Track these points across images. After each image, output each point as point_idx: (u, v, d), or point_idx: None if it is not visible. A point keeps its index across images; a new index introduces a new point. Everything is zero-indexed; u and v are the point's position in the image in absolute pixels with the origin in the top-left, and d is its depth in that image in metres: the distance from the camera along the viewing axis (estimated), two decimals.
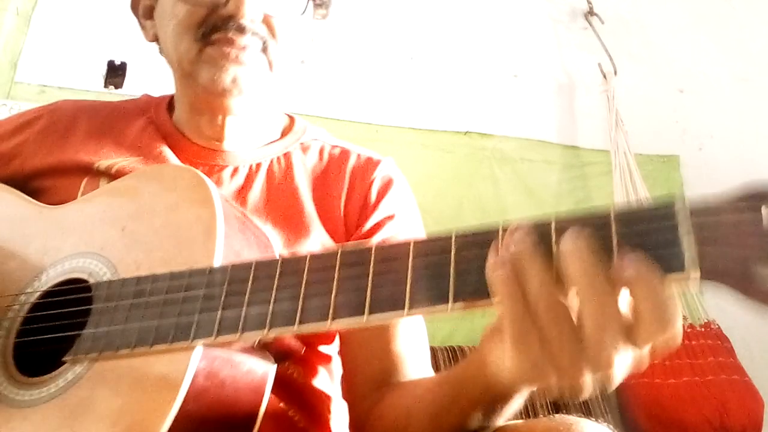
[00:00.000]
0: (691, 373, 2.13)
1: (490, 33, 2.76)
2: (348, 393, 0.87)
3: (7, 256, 0.77)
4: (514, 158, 2.61)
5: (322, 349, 0.88)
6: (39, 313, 0.70)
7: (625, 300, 0.46)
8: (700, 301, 2.31)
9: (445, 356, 2.02)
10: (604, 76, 2.74)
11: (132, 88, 2.19)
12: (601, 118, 2.70)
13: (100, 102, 1.03)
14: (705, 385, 2.09)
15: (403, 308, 0.51)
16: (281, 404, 0.79)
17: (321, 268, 0.56)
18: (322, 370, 0.87)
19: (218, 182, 0.88)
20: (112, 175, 0.85)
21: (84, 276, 0.70)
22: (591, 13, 2.84)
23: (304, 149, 0.96)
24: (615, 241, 0.47)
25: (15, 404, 0.63)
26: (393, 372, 0.83)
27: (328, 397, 0.87)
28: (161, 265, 0.64)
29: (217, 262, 0.62)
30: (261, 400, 0.62)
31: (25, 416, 0.62)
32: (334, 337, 0.89)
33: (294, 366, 0.82)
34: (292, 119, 1.02)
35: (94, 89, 2.19)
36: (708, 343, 2.21)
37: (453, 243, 0.52)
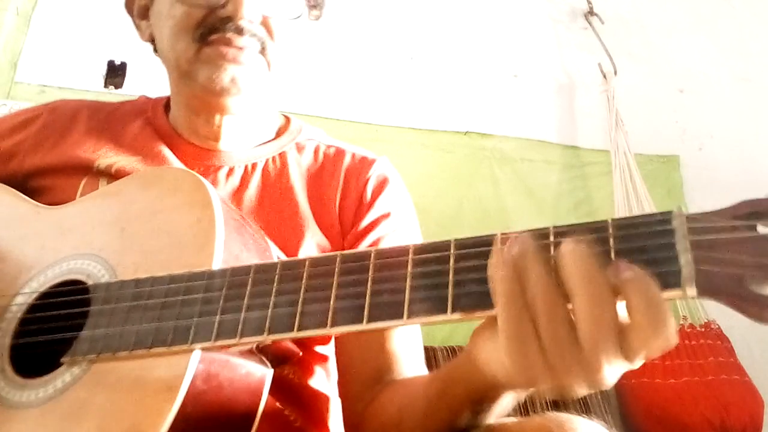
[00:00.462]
0: (691, 373, 2.12)
1: (490, 33, 2.76)
2: (343, 392, 0.88)
3: (5, 257, 0.77)
4: (514, 158, 2.61)
5: (319, 349, 0.88)
6: (37, 315, 0.70)
7: (621, 307, 0.46)
8: (700, 301, 2.30)
9: (444, 356, 2.02)
10: (604, 76, 2.74)
11: (132, 88, 2.19)
12: (601, 118, 2.70)
13: (98, 102, 1.03)
14: (705, 385, 2.09)
15: (402, 317, 0.51)
16: (278, 405, 0.79)
17: (320, 274, 0.56)
18: (318, 370, 0.87)
19: (214, 182, 0.88)
20: (111, 175, 0.85)
21: (82, 277, 0.69)
22: (591, 13, 2.84)
23: (300, 149, 0.97)
24: (612, 256, 0.47)
25: (12, 405, 0.63)
26: (387, 370, 0.83)
27: (326, 397, 0.87)
28: (160, 268, 0.64)
29: (216, 266, 0.62)
30: (258, 403, 0.62)
31: (22, 418, 0.62)
32: (331, 337, 0.90)
33: (290, 367, 0.83)
34: (287, 119, 1.02)
35: (94, 89, 2.19)
36: (708, 343, 2.21)
37: (452, 252, 0.52)
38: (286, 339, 0.57)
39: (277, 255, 0.78)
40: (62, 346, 0.64)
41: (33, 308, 0.71)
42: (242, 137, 0.94)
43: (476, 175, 2.55)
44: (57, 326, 0.67)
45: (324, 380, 0.88)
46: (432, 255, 0.53)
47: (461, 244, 0.52)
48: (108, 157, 0.88)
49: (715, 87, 2.86)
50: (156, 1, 0.91)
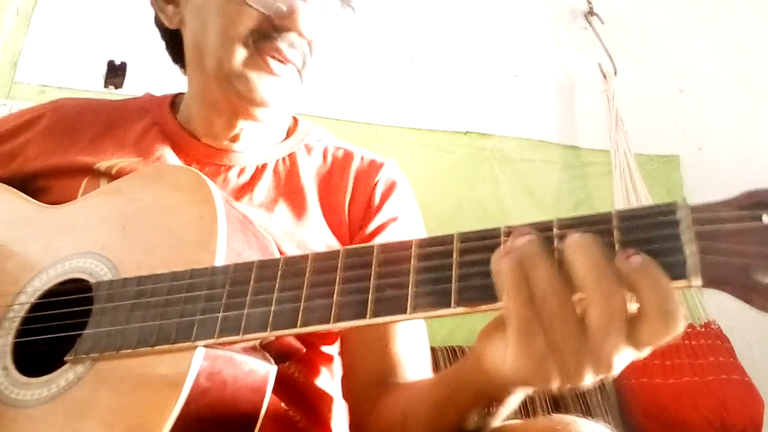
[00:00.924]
0: (691, 373, 2.13)
1: (490, 33, 2.76)
2: (347, 393, 0.88)
3: (8, 256, 0.77)
4: (514, 158, 2.61)
5: (324, 349, 0.88)
6: (39, 313, 0.70)
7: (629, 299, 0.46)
8: (700, 301, 2.30)
9: (445, 356, 2.02)
10: (604, 76, 2.74)
11: (132, 88, 2.19)
12: (601, 118, 2.70)
13: (102, 101, 1.02)
14: (705, 385, 2.09)
15: (406, 311, 0.51)
16: (282, 404, 0.79)
17: (323, 269, 0.56)
18: (323, 370, 0.88)
19: (225, 181, 0.88)
20: (112, 176, 0.85)
21: (85, 276, 0.69)
22: (591, 13, 2.84)
23: (308, 150, 0.97)
24: (617, 248, 0.47)
25: (16, 404, 0.63)
26: (392, 372, 0.83)
27: (330, 397, 0.87)
28: (162, 265, 0.64)
29: (219, 263, 0.62)
30: (262, 401, 0.62)
31: (26, 416, 0.62)
32: (336, 337, 0.90)
33: (296, 365, 0.83)
34: (295, 120, 1.02)
35: (94, 89, 2.19)
36: (708, 343, 2.21)
37: (455, 246, 0.52)
38: (289, 335, 0.57)
39: (279, 250, 0.78)
40: (65, 344, 0.64)
41: (36, 307, 0.71)
42: (257, 140, 0.93)
43: (476, 175, 2.55)
44: (60, 325, 0.67)
45: (329, 380, 0.88)
46: (435, 249, 0.53)
47: (465, 237, 0.52)
48: (109, 157, 0.88)
49: (715, 87, 2.86)
50: None
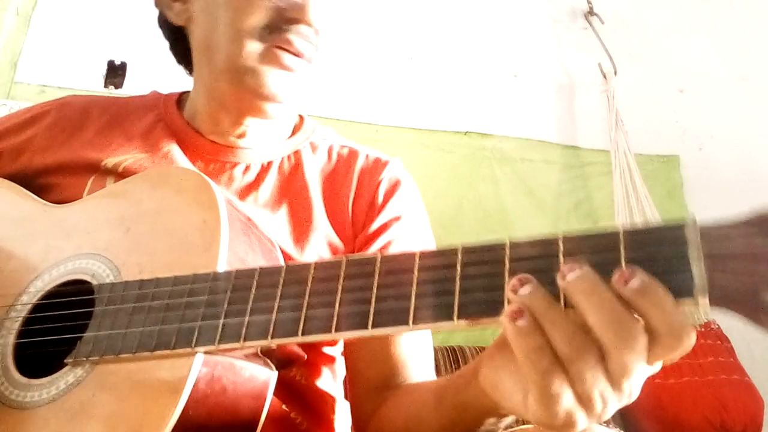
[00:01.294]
0: (691, 373, 2.13)
1: (490, 33, 2.76)
2: (351, 394, 0.87)
3: (10, 256, 0.77)
4: (514, 158, 2.61)
5: (327, 350, 0.88)
6: (41, 314, 0.70)
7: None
8: None
9: (445, 356, 2.02)
10: (604, 76, 2.74)
11: (132, 88, 2.19)
12: (601, 118, 2.70)
13: (108, 98, 1.02)
14: (705, 385, 2.09)
15: (408, 323, 0.51)
16: (284, 407, 0.79)
17: (325, 278, 0.56)
18: (325, 372, 0.87)
19: (230, 179, 0.88)
20: (119, 174, 0.84)
21: (87, 277, 0.69)
22: (591, 13, 2.84)
23: (313, 148, 0.96)
24: (623, 265, 0.46)
25: (15, 406, 0.63)
26: (396, 374, 0.83)
27: (332, 398, 0.86)
28: (164, 269, 0.64)
29: (221, 267, 0.62)
30: (262, 407, 0.62)
31: (25, 418, 0.62)
32: (343, 339, 0.89)
33: (297, 368, 0.82)
34: (301, 118, 1.01)
35: (94, 89, 2.19)
36: (708, 343, 2.21)
37: (459, 258, 0.52)
38: (290, 343, 0.57)
39: (282, 248, 0.78)
40: (66, 346, 0.64)
41: (37, 308, 0.71)
42: (263, 137, 0.93)
43: (476, 175, 2.55)
44: (61, 326, 0.66)
45: (330, 381, 0.88)
46: (439, 261, 0.53)
47: (468, 250, 0.52)
48: (116, 155, 0.87)
49: (715, 87, 2.86)
50: None
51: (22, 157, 0.91)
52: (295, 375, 0.82)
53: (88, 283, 0.69)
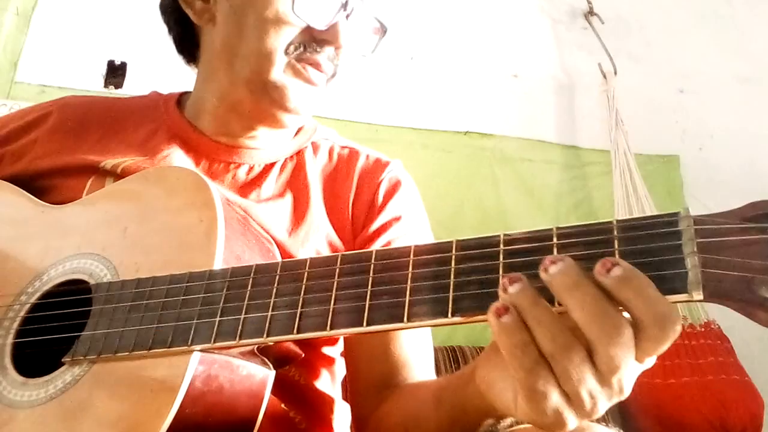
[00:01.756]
0: (691, 373, 2.12)
1: (490, 33, 2.76)
2: (350, 393, 0.87)
3: (9, 256, 0.77)
4: (514, 158, 2.61)
5: (326, 351, 0.88)
6: (39, 314, 0.70)
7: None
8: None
9: (445, 356, 2.02)
10: (604, 76, 2.73)
11: (132, 88, 2.18)
12: (601, 118, 2.70)
13: (109, 98, 1.03)
14: (705, 385, 2.09)
15: (402, 320, 0.51)
16: (282, 406, 0.79)
17: (320, 275, 0.56)
18: (324, 373, 0.87)
19: (233, 179, 0.89)
20: (118, 175, 0.85)
21: (84, 277, 0.70)
22: (591, 13, 2.84)
23: (315, 148, 0.97)
24: (617, 257, 0.46)
25: (13, 405, 0.64)
26: (395, 373, 0.83)
27: (331, 399, 0.87)
28: (161, 268, 0.65)
29: (218, 266, 0.62)
30: (260, 405, 0.62)
31: (23, 417, 0.62)
32: (338, 339, 0.89)
33: (296, 368, 0.82)
34: None
35: (94, 89, 2.19)
36: (708, 343, 2.21)
37: (453, 254, 0.52)
38: (286, 341, 0.57)
39: (280, 255, 0.78)
40: (64, 345, 0.64)
41: (36, 307, 0.71)
42: (271, 140, 0.94)
43: (476, 175, 2.55)
44: (59, 326, 0.67)
45: (329, 382, 0.88)
46: (433, 256, 0.53)
47: (463, 245, 0.52)
48: (115, 156, 0.88)
49: (715, 87, 2.85)
50: None
51: (22, 159, 0.91)
52: (294, 375, 0.82)
53: (86, 282, 0.69)
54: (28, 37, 2.20)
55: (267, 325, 0.56)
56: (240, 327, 0.57)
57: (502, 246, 0.50)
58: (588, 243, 0.48)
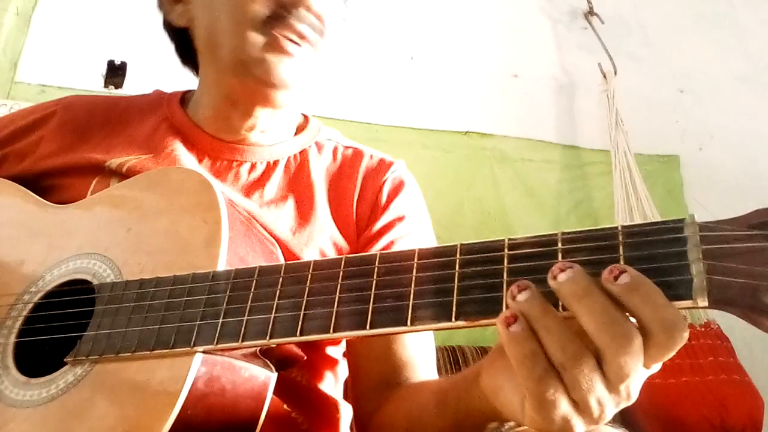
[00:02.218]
0: (691, 373, 2.12)
1: (490, 33, 2.76)
2: (352, 393, 0.87)
3: (12, 255, 0.77)
4: (514, 158, 2.61)
5: (330, 351, 0.88)
6: (41, 313, 0.70)
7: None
8: None
9: (445, 356, 2.02)
10: (604, 76, 2.73)
11: (132, 88, 2.18)
12: (601, 118, 2.70)
13: (112, 98, 1.02)
14: (705, 385, 2.09)
15: (405, 323, 0.51)
16: (285, 407, 0.78)
17: (324, 278, 0.56)
18: (328, 374, 0.87)
19: (236, 176, 0.88)
20: (123, 174, 0.84)
21: (87, 277, 0.70)
22: (591, 13, 2.84)
23: (319, 148, 0.97)
24: (622, 263, 0.46)
25: (15, 404, 0.63)
26: (398, 374, 0.83)
27: (334, 401, 0.86)
28: (165, 269, 0.65)
29: (221, 267, 0.62)
30: (261, 407, 0.62)
31: (24, 417, 0.62)
32: (341, 339, 0.89)
33: (298, 370, 0.82)
34: (306, 117, 1.02)
35: (94, 89, 2.19)
36: (708, 343, 2.21)
37: (458, 258, 0.52)
38: (289, 342, 0.57)
39: (283, 257, 0.78)
40: (66, 345, 0.64)
41: (38, 307, 0.71)
42: (270, 133, 0.93)
43: (476, 175, 2.55)
44: (61, 325, 0.67)
45: (332, 383, 0.88)
46: (437, 260, 0.53)
47: (467, 249, 0.52)
48: (120, 155, 0.87)
49: (715, 87, 2.86)
50: None
51: (26, 159, 0.91)
52: (297, 376, 0.82)
53: (89, 282, 0.69)
54: (28, 37, 2.20)
55: (270, 326, 0.56)
56: (243, 328, 0.56)
57: (506, 251, 0.50)
58: (593, 249, 0.48)
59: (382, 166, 0.95)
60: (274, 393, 0.64)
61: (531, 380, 0.46)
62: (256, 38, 0.82)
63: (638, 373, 0.46)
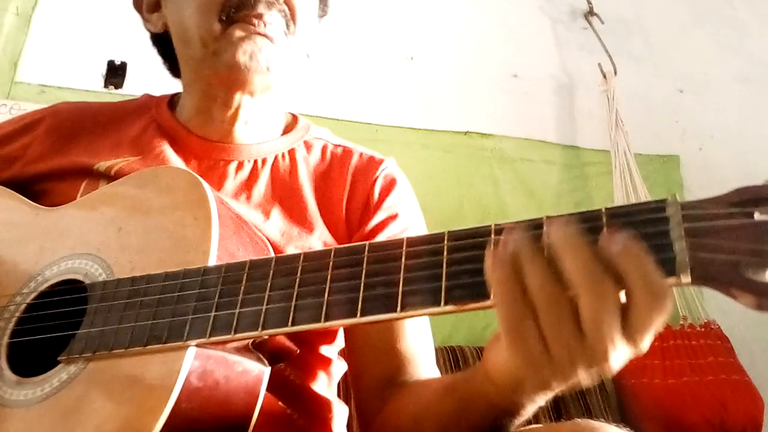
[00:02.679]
0: (691, 373, 2.12)
1: (490, 33, 2.76)
2: (355, 392, 0.87)
3: (3, 258, 0.77)
4: (514, 158, 2.61)
5: (323, 350, 0.88)
6: (34, 314, 0.70)
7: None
8: (699, 301, 2.30)
9: (445, 356, 2.02)
10: (604, 76, 2.73)
11: (132, 88, 2.19)
12: (601, 118, 2.70)
13: (100, 103, 1.03)
14: (705, 385, 2.09)
15: (396, 309, 0.52)
16: (279, 403, 0.79)
17: (314, 269, 0.57)
18: (321, 374, 0.87)
19: (223, 176, 0.88)
20: (111, 177, 0.85)
21: (80, 277, 0.70)
22: (591, 13, 2.84)
23: (308, 147, 0.97)
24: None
25: (9, 404, 0.63)
26: (400, 371, 0.83)
27: (327, 400, 0.86)
28: (156, 266, 0.65)
29: (212, 263, 0.62)
30: (255, 401, 0.62)
31: (19, 416, 0.62)
32: (335, 337, 0.89)
33: (291, 368, 0.82)
34: (294, 117, 1.02)
35: (94, 89, 2.19)
36: (708, 343, 2.21)
37: (445, 244, 0.52)
38: (281, 334, 0.57)
39: (274, 254, 0.78)
40: (59, 345, 0.64)
41: (31, 308, 0.71)
42: (255, 128, 0.93)
43: (476, 175, 2.55)
44: (54, 325, 0.67)
45: (325, 383, 0.88)
46: (426, 247, 0.53)
47: (455, 236, 0.53)
48: (108, 158, 0.88)
49: (715, 87, 2.86)
50: None
51: (15, 164, 0.91)
52: (290, 375, 0.82)
53: (81, 282, 0.69)
54: (28, 37, 2.20)
55: (262, 318, 0.56)
56: (235, 321, 0.57)
57: (492, 236, 0.51)
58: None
59: (372, 164, 0.95)
60: (268, 390, 0.64)
61: (509, 314, 0.48)
62: (219, 26, 0.84)
63: (615, 338, 0.46)
